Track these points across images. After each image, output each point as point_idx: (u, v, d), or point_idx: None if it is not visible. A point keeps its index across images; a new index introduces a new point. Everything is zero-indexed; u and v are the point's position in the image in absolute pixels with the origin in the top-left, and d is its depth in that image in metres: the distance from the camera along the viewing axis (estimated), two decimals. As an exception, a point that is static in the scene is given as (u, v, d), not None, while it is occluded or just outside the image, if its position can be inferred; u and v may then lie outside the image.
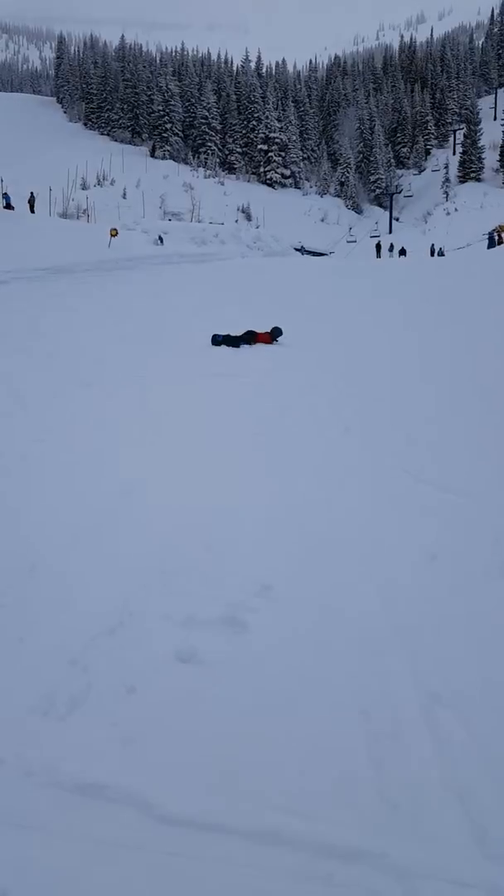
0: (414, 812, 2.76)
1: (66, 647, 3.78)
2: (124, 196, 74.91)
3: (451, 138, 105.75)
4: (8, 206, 39.41)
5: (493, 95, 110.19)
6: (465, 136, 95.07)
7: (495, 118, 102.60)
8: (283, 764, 2.99)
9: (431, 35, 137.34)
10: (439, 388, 9.24)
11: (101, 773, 2.92)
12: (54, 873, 2.51)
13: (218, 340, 12.43)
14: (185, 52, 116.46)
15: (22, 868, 2.53)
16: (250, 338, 12.64)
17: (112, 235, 33.51)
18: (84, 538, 5.08)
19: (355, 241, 63.64)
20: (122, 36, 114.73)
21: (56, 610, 4.16)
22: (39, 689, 3.45)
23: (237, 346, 12.39)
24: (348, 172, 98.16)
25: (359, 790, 2.86)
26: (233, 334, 12.59)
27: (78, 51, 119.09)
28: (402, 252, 49.94)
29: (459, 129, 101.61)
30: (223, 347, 12.27)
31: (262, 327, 12.83)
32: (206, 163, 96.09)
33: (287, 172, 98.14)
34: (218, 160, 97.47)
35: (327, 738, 3.15)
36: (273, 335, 12.73)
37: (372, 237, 66.48)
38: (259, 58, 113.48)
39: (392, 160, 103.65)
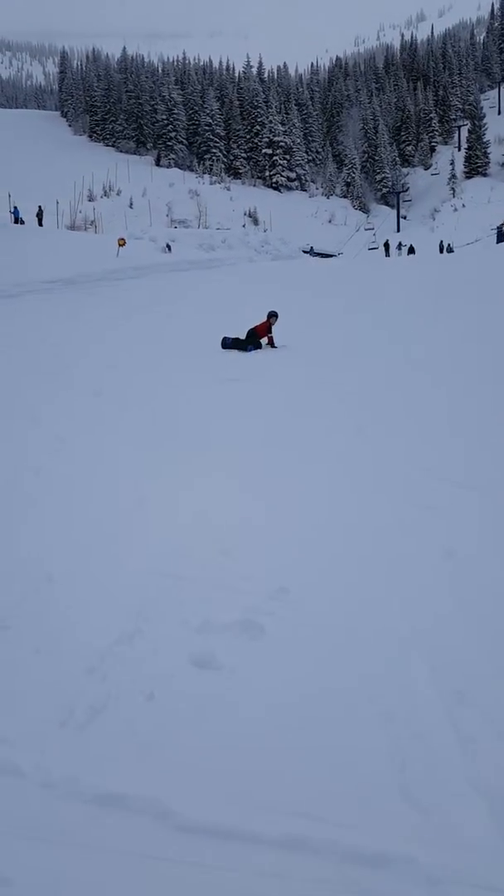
0: (441, 815, 2.70)
1: (84, 657, 3.75)
2: (131, 206, 75.20)
3: (456, 134, 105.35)
4: (17, 221, 39.72)
5: (497, 90, 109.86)
6: (469, 131, 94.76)
7: (499, 112, 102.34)
8: (305, 769, 2.94)
9: (432, 32, 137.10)
10: (451, 386, 9.14)
11: (120, 782, 2.88)
12: (76, 885, 2.48)
13: (227, 344, 12.43)
14: (187, 61, 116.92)
15: (44, 880, 2.49)
16: (253, 336, 12.61)
17: (120, 245, 33.61)
18: (99, 547, 5.06)
19: (377, 248, 63.11)
20: (124, 48, 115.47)
21: (73, 619, 4.14)
22: (58, 700, 3.42)
23: (245, 349, 12.37)
24: (354, 173, 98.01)
25: (383, 794, 2.80)
26: (241, 338, 12.59)
27: (81, 65, 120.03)
28: (411, 250, 49.76)
29: (464, 125, 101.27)
30: (233, 351, 12.26)
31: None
32: (211, 169, 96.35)
33: (293, 175, 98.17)
34: (223, 166, 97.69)
35: (349, 741, 3.09)
36: (270, 321, 12.70)
37: (370, 249, 65.99)
38: (260, 63, 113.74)
39: (397, 159, 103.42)
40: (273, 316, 12.74)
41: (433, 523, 5.22)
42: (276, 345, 12.65)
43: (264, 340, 12.69)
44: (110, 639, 3.91)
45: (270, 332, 12.70)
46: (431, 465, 6.39)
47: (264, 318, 12.79)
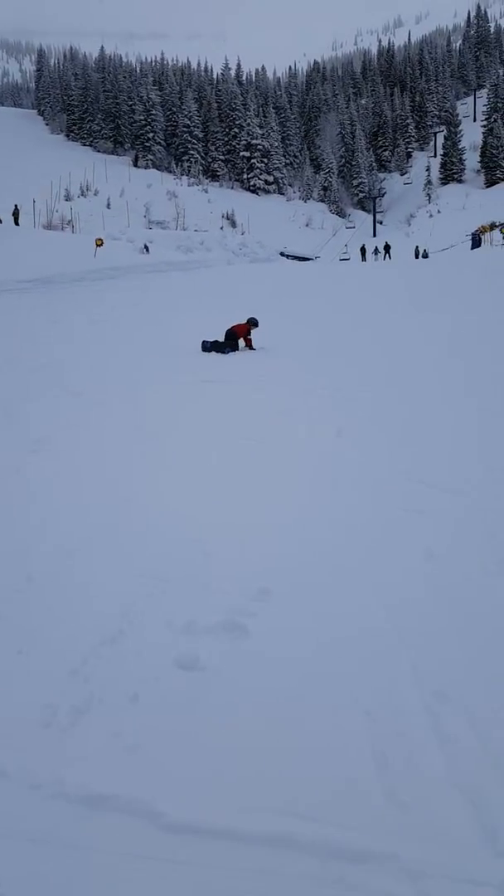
0: (422, 812, 2.76)
1: (67, 658, 3.76)
2: (108, 206, 74.81)
3: (433, 141, 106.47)
4: (-8, 219, 39.34)
5: (472, 97, 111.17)
6: (445, 138, 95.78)
7: (475, 119, 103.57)
8: (290, 768, 2.98)
9: (409, 39, 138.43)
10: (429, 389, 9.26)
11: (106, 783, 2.90)
12: (63, 886, 2.49)
13: (207, 347, 12.47)
14: (165, 62, 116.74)
15: (30, 882, 2.50)
16: (231, 338, 12.69)
17: (98, 245, 33.47)
18: (82, 547, 5.06)
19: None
20: (102, 47, 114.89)
21: (55, 620, 4.14)
22: (41, 701, 3.43)
23: (224, 351, 12.42)
24: (331, 177, 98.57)
25: (366, 792, 2.85)
26: (220, 340, 12.66)
27: (58, 63, 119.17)
28: (387, 248, 50.17)
29: (440, 131, 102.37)
30: (213, 354, 12.30)
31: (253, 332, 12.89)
32: (189, 171, 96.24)
33: (270, 178, 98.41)
34: (201, 168, 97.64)
35: (332, 740, 3.14)
36: (249, 325, 12.84)
37: (342, 260, 65.53)
38: (239, 65, 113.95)
39: (374, 164, 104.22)
40: (253, 324, 12.90)
41: (415, 525, 5.29)
42: (254, 346, 12.72)
43: (242, 343, 12.77)
44: (93, 640, 3.91)
45: (249, 335, 12.79)
46: (413, 468, 6.48)
47: (244, 321, 12.88)
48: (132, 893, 2.47)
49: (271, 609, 4.21)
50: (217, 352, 12.42)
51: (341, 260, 64.59)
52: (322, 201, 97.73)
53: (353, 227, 73.69)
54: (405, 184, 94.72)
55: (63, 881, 2.49)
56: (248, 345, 12.79)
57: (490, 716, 3.28)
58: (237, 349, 12.68)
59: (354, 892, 2.44)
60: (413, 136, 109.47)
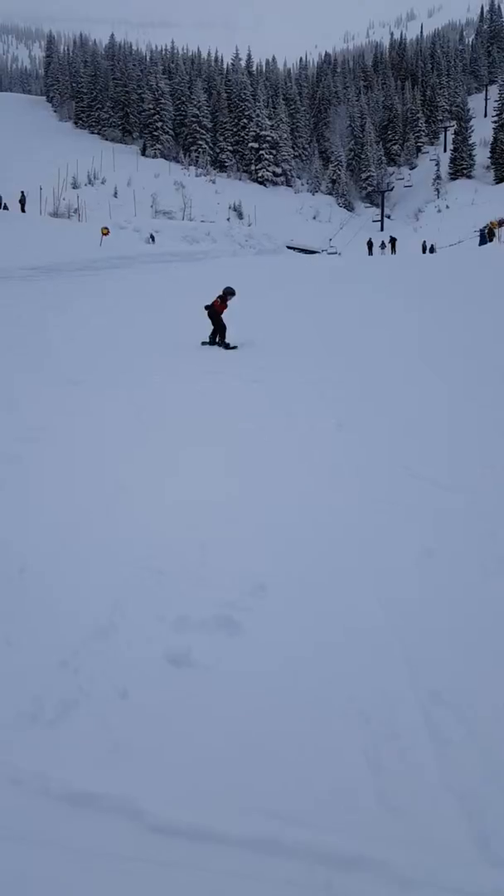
0: (414, 817, 2.69)
1: (56, 650, 3.69)
2: (115, 195, 74.63)
3: (442, 135, 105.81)
4: (-1, 206, 39.25)
5: (484, 92, 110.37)
6: (455, 133, 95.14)
7: (486, 115, 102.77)
8: (280, 769, 2.91)
9: (421, 32, 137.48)
10: (430, 384, 9.16)
11: (91, 780, 2.83)
12: (44, 884, 2.42)
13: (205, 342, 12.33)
14: (175, 51, 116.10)
15: (10, 879, 2.44)
16: (214, 316, 12.23)
17: (104, 234, 33.37)
18: (75, 539, 4.98)
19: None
20: (112, 34, 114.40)
21: (46, 612, 4.07)
22: (28, 693, 3.36)
23: (213, 342, 12.26)
24: (339, 170, 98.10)
25: (358, 795, 2.78)
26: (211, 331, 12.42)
27: (67, 50, 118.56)
28: (392, 242, 49.97)
29: (450, 126, 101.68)
30: (215, 347, 12.19)
31: (245, 324, 12.79)
32: (197, 161, 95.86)
33: (278, 170, 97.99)
34: (209, 158, 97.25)
35: (325, 741, 3.07)
36: (224, 296, 12.38)
37: (374, 220, 65.48)
38: (249, 56, 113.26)
39: (383, 158, 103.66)
40: (229, 292, 12.45)
41: (414, 522, 5.21)
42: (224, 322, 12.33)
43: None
44: (84, 633, 3.84)
45: (224, 304, 12.37)
46: (414, 463, 6.39)
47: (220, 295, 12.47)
48: (114, 893, 2.40)
49: (267, 605, 4.14)
50: (216, 345, 12.27)
51: (329, 254, 63.19)
52: (330, 194, 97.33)
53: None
54: (405, 186, 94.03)
55: (42, 880, 2.42)
56: (220, 310, 12.28)
57: (486, 718, 3.21)
58: (220, 330, 12.24)
59: (342, 899, 2.37)
60: (423, 131, 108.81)
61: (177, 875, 2.46)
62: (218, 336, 12.30)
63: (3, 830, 2.61)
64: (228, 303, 12.49)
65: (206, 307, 12.40)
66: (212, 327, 12.40)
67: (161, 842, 2.57)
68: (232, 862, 2.50)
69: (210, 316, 12.35)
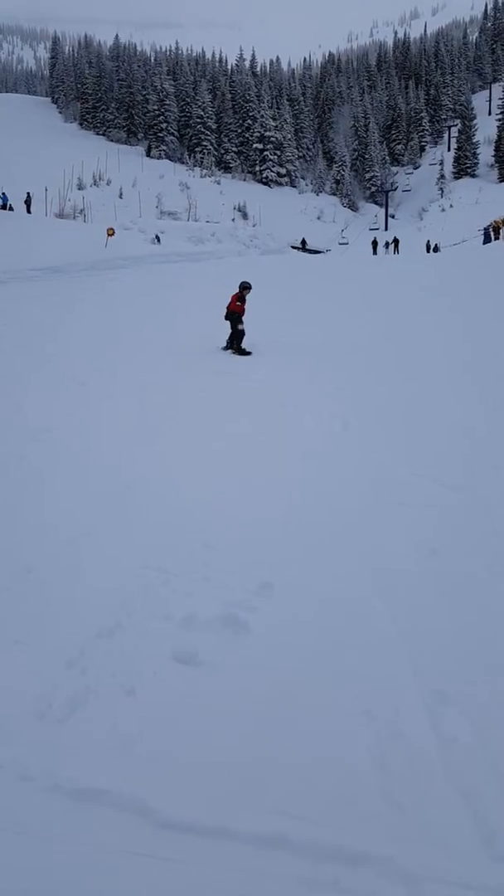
0: (419, 814, 2.71)
1: (64, 649, 3.72)
2: (121, 196, 74.67)
3: (446, 134, 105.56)
4: (4, 207, 39.31)
5: (488, 90, 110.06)
6: (459, 131, 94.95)
7: (489, 113, 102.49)
8: (286, 767, 2.93)
9: (425, 31, 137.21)
10: (435, 384, 9.17)
11: (99, 777, 2.86)
12: (53, 880, 2.45)
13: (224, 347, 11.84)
14: (180, 52, 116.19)
15: (19, 874, 2.47)
16: (229, 317, 11.57)
17: (109, 235, 33.40)
18: (82, 538, 5.02)
19: (347, 243, 63.20)
20: (117, 35, 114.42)
21: (53, 611, 4.10)
22: (37, 692, 3.39)
23: (231, 346, 11.70)
24: (343, 170, 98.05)
25: (363, 793, 2.80)
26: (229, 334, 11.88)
27: (72, 51, 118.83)
28: (396, 242, 49.96)
29: (454, 125, 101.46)
30: (207, 346, 11.88)
31: (253, 326, 12.57)
32: (201, 162, 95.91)
33: (283, 171, 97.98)
34: (214, 159, 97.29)
35: (330, 739, 3.09)
36: (240, 292, 11.67)
37: (371, 229, 66.30)
38: (253, 56, 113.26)
39: (387, 157, 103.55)
40: (245, 288, 11.74)
41: (419, 521, 5.23)
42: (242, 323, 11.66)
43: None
44: (91, 632, 3.88)
45: (241, 303, 11.63)
46: (419, 463, 6.41)
47: (236, 293, 11.73)
48: (122, 890, 2.43)
49: (272, 604, 4.16)
50: (231, 350, 11.72)
51: (340, 244, 65.14)
52: (334, 194, 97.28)
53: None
54: (404, 190, 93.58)
55: (50, 875, 2.45)
56: (239, 311, 11.57)
57: (490, 716, 3.22)
58: (238, 334, 11.64)
59: (349, 894, 2.40)
60: (427, 130, 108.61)
61: (185, 871, 2.48)
62: (234, 341, 11.68)
63: (14, 826, 2.65)
64: (247, 297, 11.73)
65: (226, 314, 11.69)
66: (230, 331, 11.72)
67: (169, 838, 2.60)
68: (240, 859, 2.53)
69: (228, 318, 11.66)
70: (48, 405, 8.36)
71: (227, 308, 11.70)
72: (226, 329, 11.76)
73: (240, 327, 11.55)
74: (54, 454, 6.77)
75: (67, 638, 3.82)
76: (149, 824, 2.65)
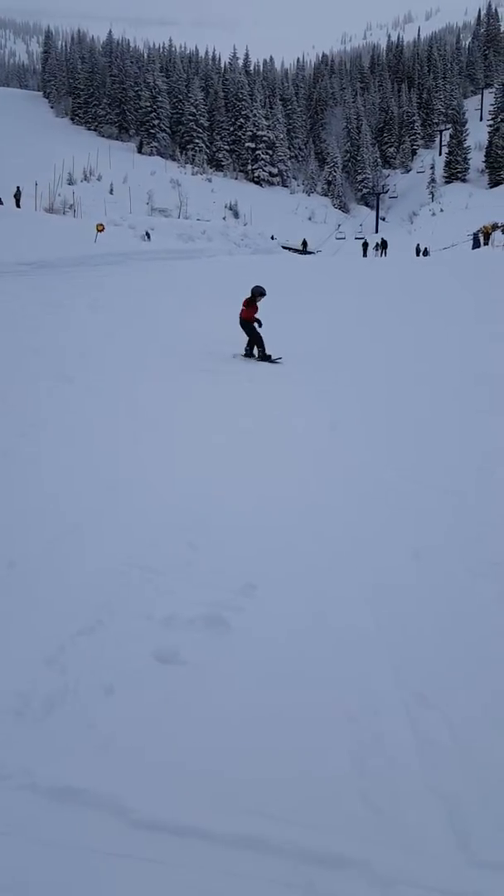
0: (397, 818, 2.70)
1: (43, 647, 3.68)
2: (111, 192, 74.39)
3: (438, 139, 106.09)
4: (-7, 201, 39.09)
5: (480, 96, 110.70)
6: (451, 136, 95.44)
7: (481, 119, 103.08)
8: (266, 768, 2.92)
9: (418, 35, 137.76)
10: (422, 387, 9.20)
11: (76, 776, 2.83)
12: (27, 879, 2.42)
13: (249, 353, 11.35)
14: (173, 49, 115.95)
15: (-7, 876, 2.44)
16: (244, 325, 11.18)
17: (99, 231, 33.27)
18: (66, 534, 4.98)
19: (344, 238, 65.06)
20: (110, 31, 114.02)
21: (33, 608, 4.06)
22: (14, 689, 3.35)
23: (250, 353, 11.23)
24: (335, 172, 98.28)
25: (342, 795, 2.79)
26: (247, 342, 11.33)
27: (65, 45, 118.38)
28: (384, 244, 50.04)
29: (446, 129, 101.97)
30: (211, 347, 11.99)
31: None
32: (193, 159, 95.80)
33: (275, 171, 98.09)
34: (205, 157, 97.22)
35: (311, 741, 3.08)
36: (252, 297, 11.22)
37: (356, 238, 67.83)
38: (247, 55, 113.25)
39: (378, 160, 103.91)
40: (258, 293, 11.22)
41: (404, 524, 5.24)
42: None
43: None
44: (71, 629, 3.84)
45: (254, 309, 11.25)
46: (405, 465, 6.43)
47: (247, 297, 11.31)
48: (98, 891, 2.41)
49: (256, 605, 4.15)
50: (251, 357, 11.26)
51: (337, 239, 67.16)
52: (326, 195, 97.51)
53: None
54: (390, 197, 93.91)
55: (25, 875, 2.42)
56: (255, 321, 11.16)
57: (469, 720, 3.23)
58: (257, 341, 11.18)
59: (324, 897, 2.39)
60: (419, 133, 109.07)
61: (161, 871, 2.46)
62: (256, 348, 11.15)
63: (-12, 826, 2.61)
64: (258, 304, 11.26)
65: (240, 321, 11.29)
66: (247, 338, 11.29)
67: (145, 838, 2.58)
68: (216, 859, 2.51)
69: (242, 326, 11.24)
70: (35, 400, 8.30)
71: (241, 316, 11.24)
72: (227, 329, 11.72)
73: (257, 331, 11.04)
74: (40, 450, 6.71)
75: (47, 635, 3.78)
76: (125, 823, 2.63)
